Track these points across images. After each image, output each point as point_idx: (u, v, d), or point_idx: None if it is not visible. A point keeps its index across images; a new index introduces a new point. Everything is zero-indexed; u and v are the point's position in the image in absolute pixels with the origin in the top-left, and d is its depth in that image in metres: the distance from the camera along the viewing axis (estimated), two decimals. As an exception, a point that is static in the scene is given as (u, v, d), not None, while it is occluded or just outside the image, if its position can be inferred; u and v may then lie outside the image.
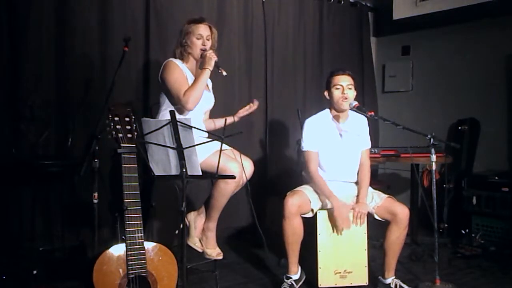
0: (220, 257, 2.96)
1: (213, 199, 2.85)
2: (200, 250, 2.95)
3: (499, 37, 4.28)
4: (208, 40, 2.92)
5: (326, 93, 2.92)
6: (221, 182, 2.77)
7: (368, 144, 3.03)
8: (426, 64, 4.87)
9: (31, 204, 3.09)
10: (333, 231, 2.80)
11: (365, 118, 2.99)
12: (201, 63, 2.92)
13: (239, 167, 2.75)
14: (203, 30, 2.91)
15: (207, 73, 2.83)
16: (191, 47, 2.91)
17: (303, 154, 2.95)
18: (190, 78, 2.88)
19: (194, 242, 2.95)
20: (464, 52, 4.55)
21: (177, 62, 2.91)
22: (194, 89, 2.78)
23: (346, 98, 2.81)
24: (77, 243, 3.19)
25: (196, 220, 2.99)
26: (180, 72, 2.86)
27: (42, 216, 3.21)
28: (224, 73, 2.84)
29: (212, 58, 2.83)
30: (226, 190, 2.78)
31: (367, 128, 3.03)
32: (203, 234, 2.98)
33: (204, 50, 2.88)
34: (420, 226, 3.90)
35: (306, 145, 2.92)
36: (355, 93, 2.87)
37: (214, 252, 2.96)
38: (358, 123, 2.98)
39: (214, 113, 3.20)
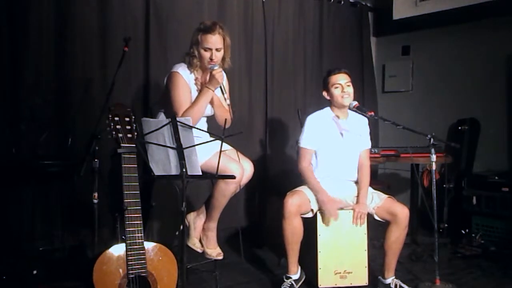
0: (220, 257, 2.95)
1: (213, 199, 2.84)
2: (199, 251, 2.94)
3: (499, 37, 4.28)
4: (218, 51, 2.73)
5: (325, 93, 2.92)
6: (221, 182, 2.76)
7: (368, 144, 3.04)
8: (426, 64, 4.87)
9: (31, 204, 3.09)
10: (323, 221, 2.80)
11: (366, 118, 3.00)
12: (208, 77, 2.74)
13: (240, 167, 2.74)
14: (212, 42, 2.69)
15: (209, 94, 2.69)
16: (199, 59, 2.75)
17: (299, 150, 2.96)
18: (194, 91, 2.79)
19: (194, 243, 2.94)
20: (464, 52, 4.54)
21: (183, 73, 2.76)
22: (192, 111, 2.65)
23: (348, 95, 2.84)
24: (77, 243, 3.19)
25: (195, 221, 2.97)
26: (183, 86, 2.73)
27: (42, 216, 3.21)
28: (228, 102, 2.73)
29: (219, 80, 2.67)
30: (226, 190, 2.77)
31: (368, 129, 3.04)
32: (203, 234, 2.97)
33: (212, 69, 2.68)
34: (420, 226, 3.90)
35: (303, 141, 2.93)
36: (353, 90, 2.90)
37: (215, 252, 2.96)
38: (359, 123, 2.99)
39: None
